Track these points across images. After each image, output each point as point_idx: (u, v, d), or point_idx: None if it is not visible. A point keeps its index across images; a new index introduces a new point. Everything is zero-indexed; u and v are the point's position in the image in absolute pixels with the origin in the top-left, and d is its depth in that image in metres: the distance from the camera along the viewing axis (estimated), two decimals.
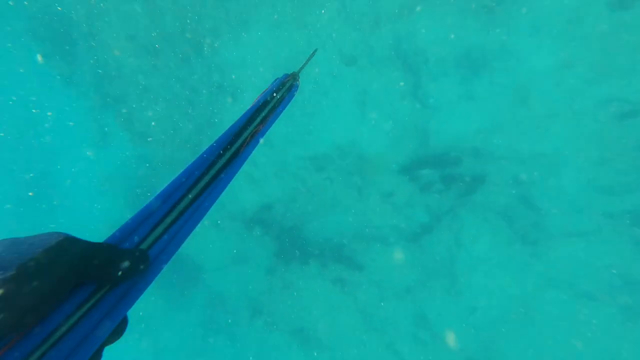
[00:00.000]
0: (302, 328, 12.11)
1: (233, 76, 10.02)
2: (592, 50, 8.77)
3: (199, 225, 1.05)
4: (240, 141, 1.31)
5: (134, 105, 9.84)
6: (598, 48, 8.71)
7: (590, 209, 9.93)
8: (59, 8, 10.55)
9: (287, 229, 11.29)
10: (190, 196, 1.05)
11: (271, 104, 1.57)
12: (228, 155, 1.22)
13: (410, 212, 10.21)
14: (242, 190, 11.27)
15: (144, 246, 0.91)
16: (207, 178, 1.11)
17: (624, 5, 8.24)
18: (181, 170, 1.06)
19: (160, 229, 0.96)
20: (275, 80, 1.77)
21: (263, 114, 1.51)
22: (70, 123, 12.19)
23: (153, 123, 10.24)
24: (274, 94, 1.62)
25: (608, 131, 9.24)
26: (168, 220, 0.98)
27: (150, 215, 0.96)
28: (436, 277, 10.64)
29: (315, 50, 2.37)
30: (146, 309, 12.93)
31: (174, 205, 1.02)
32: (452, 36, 9.42)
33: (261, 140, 1.44)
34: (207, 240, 12.39)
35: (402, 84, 10.13)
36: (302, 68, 1.96)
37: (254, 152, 1.38)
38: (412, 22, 9.45)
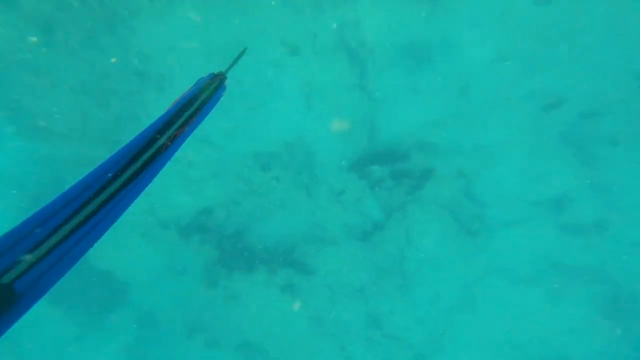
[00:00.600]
0: (248, 342, 10.94)
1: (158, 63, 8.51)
2: (522, 43, 9.00)
3: (91, 247, 0.88)
4: (158, 145, 1.20)
5: (20, 93, 7.74)
6: (526, 41, 8.96)
7: (522, 198, 10.35)
8: None
9: (230, 234, 10.05)
10: (89, 209, 0.92)
11: (195, 105, 1.46)
12: (141, 161, 1.12)
13: (361, 210, 9.67)
14: (176, 194, 9.76)
15: (10, 276, 0.77)
16: (111, 190, 0.99)
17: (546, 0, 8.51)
18: (78, 180, 0.93)
19: (40, 252, 0.81)
20: (199, 80, 1.66)
21: (185, 116, 1.39)
22: None
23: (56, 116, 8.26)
24: (198, 95, 1.53)
25: (536, 122, 9.63)
26: (52, 240, 0.84)
27: (29, 233, 0.82)
28: (388, 275, 10.28)
29: (245, 50, 2.19)
30: (53, 338, 10.67)
31: (62, 222, 0.87)
32: (396, 26, 9.05)
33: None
34: (134, 253, 10.58)
35: (348, 76, 9.54)
36: (230, 68, 1.85)
37: (178, 154, 1.25)
38: (355, 10, 8.86)
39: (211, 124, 9.29)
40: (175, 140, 1.28)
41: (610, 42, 8.82)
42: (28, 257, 0.79)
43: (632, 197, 10.02)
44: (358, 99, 9.55)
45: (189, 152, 9.35)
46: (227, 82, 1.72)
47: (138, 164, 1.10)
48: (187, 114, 1.40)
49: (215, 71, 1.71)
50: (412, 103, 9.42)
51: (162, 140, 1.23)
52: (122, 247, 10.49)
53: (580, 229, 10.35)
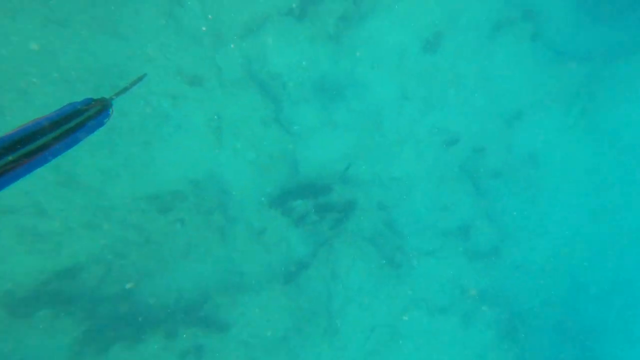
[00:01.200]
0: None
1: None
2: (419, 85, 9.80)
3: None
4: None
5: None
6: (422, 84, 9.79)
7: (434, 228, 10.78)
8: None
9: (108, 297, 7.79)
10: None
11: (58, 131, 1.35)
12: None
13: (285, 249, 8.71)
14: (12, 256, 7.17)
15: None
16: None
17: (431, 50, 9.53)
18: None
19: None
20: (68, 105, 1.49)
21: (39, 140, 1.26)
22: None
23: None
24: (64, 120, 1.41)
25: (439, 156, 10.37)
26: None
27: None
28: (313, 318, 9.28)
29: (143, 76, 2.01)
30: None
31: None
32: (305, 63, 9.04)
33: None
34: None
35: (263, 109, 9.01)
36: (120, 93, 1.70)
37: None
38: (260, 44, 8.55)
39: (80, 162, 7.63)
40: (10, 172, 1.17)
41: (485, 88, 10.18)
42: None
43: (516, 225, 11.31)
44: (275, 133, 9.00)
45: (40, 197, 7.13)
46: (113, 110, 1.60)
47: None
48: (43, 139, 1.28)
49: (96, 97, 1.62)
50: (330, 136, 9.26)
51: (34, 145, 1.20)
52: None
53: (481, 255, 11.11)
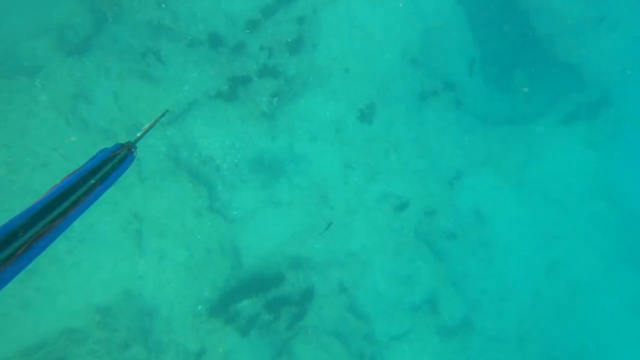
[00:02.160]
0: None
1: None
2: (360, 154, 9.36)
3: None
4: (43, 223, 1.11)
5: None
6: (364, 153, 9.37)
7: (400, 305, 9.54)
8: None
9: None
10: None
11: (96, 177, 1.36)
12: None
13: None
14: None
15: None
16: None
17: (367, 120, 9.38)
18: None
19: None
20: (101, 151, 1.48)
21: (81, 190, 1.28)
22: None
23: None
24: (99, 167, 1.40)
25: (392, 223, 9.62)
26: None
27: None
28: None
29: (165, 113, 1.99)
30: None
31: None
32: (238, 143, 8.16)
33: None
34: None
35: (194, 198, 7.63)
36: (141, 136, 1.68)
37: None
38: (187, 129, 7.58)
39: None
40: (63, 221, 1.19)
41: (422, 152, 10.11)
42: None
43: (479, 289, 10.61)
44: (211, 222, 7.56)
45: None
46: (137, 153, 1.58)
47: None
48: (82, 189, 1.28)
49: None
50: (274, 217, 8.05)
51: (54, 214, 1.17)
52: None
53: (454, 330, 9.97)
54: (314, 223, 8.22)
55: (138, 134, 1.70)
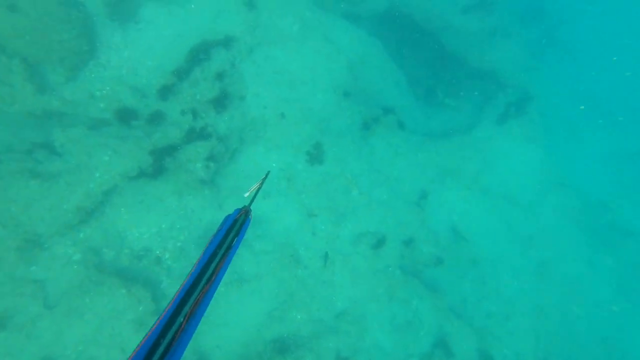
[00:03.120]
0: None
1: None
2: (319, 197, 8.34)
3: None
4: (196, 294, 1.19)
5: None
6: (321, 195, 8.36)
7: (411, 359, 8.04)
8: None
9: None
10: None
11: (228, 240, 1.41)
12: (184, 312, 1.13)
13: None
14: None
15: None
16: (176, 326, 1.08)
17: (317, 161, 8.55)
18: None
19: None
20: (226, 218, 1.53)
21: (222, 251, 1.34)
22: None
23: None
24: (230, 230, 1.45)
25: (375, 264, 8.42)
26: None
27: None
28: None
29: (268, 174, 2.02)
30: None
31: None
32: (179, 223, 6.73)
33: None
34: None
35: (134, 306, 5.85)
36: (252, 200, 1.74)
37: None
38: (105, 223, 6.04)
39: None
40: (217, 275, 1.28)
41: (380, 180, 9.36)
42: None
43: (484, 313, 9.51)
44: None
45: None
46: (252, 214, 1.60)
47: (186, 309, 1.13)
48: (222, 249, 1.35)
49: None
50: (241, 299, 6.47)
51: (207, 276, 1.24)
52: None
53: None
54: (290, 290, 6.74)
55: (245, 194, 1.78)
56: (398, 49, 10.71)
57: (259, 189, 1.82)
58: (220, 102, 6.77)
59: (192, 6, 6.60)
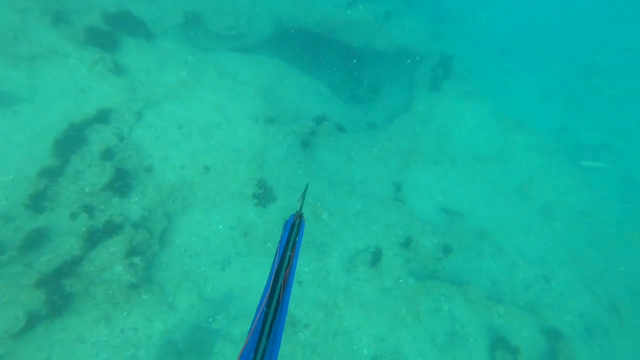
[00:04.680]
0: None
1: None
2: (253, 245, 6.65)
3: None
4: (280, 281, 1.41)
5: None
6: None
7: None
8: None
9: None
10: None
11: (292, 242, 1.63)
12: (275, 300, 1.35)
13: None
14: None
15: None
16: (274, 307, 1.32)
17: (268, 200, 7.02)
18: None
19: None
20: (286, 222, 1.75)
21: (289, 250, 1.58)
22: None
23: None
24: (291, 232, 1.66)
25: (382, 283, 6.70)
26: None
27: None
28: None
29: (307, 185, 2.27)
30: None
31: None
32: (121, 346, 4.78)
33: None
34: None
35: None
36: (301, 206, 1.95)
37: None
38: None
39: None
40: (291, 268, 1.47)
41: (350, 192, 7.92)
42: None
43: (522, 284, 7.92)
44: None
45: None
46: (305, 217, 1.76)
47: (278, 286, 1.38)
48: (289, 248, 1.55)
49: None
50: None
51: (284, 270, 1.45)
52: None
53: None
54: None
55: (298, 202, 1.94)
56: (306, 62, 9.83)
57: (304, 197, 1.97)
58: (120, 183, 5.17)
59: (41, 96, 5.19)
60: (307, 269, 6.43)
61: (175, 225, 5.75)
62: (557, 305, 7.29)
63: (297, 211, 1.79)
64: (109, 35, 5.96)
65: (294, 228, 1.65)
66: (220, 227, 6.21)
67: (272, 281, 1.36)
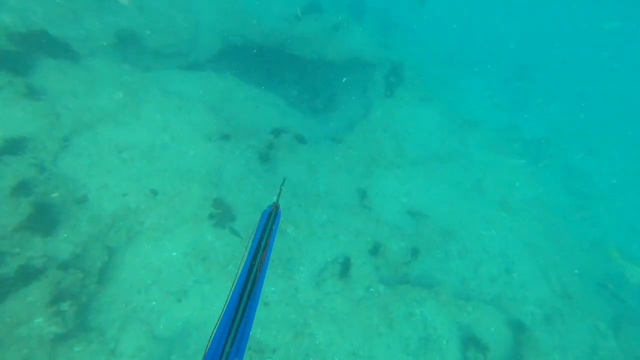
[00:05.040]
0: None
1: None
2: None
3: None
4: (256, 264, 1.50)
5: None
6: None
7: None
8: None
9: None
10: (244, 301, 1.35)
11: (267, 233, 1.70)
12: (252, 277, 1.44)
13: None
14: None
15: None
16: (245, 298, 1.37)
17: (227, 220, 6.54)
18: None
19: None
20: (263, 212, 1.82)
21: (264, 241, 1.64)
22: None
23: None
24: (268, 222, 1.75)
25: (352, 294, 6.38)
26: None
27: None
28: None
29: (284, 179, 2.51)
30: None
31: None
32: None
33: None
34: None
35: None
36: (279, 198, 2.04)
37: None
38: None
39: None
40: (264, 259, 1.55)
41: (315, 203, 7.60)
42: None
43: (496, 281, 7.94)
44: None
45: None
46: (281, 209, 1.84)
47: (252, 277, 1.45)
48: (265, 237, 1.64)
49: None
50: None
51: (258, 260, 1.51)
52: None
53: None
54: None
55: (276, 196, 2.05)
56: (260, 75, 9.52)
57: (281, 190, 2.16)
58: (42, 221, 4.45)
59: None
60: (273, 289, 5.96)
61: (118, 259, 5.07)
62: (519, 297, 7.37)
63: (274, 202, 1.87)
64: (18, 56, 5.26)
65: (270, 218, 1.74)
66: (174, 254, 5.60)
67: (247, 268, 1.43)
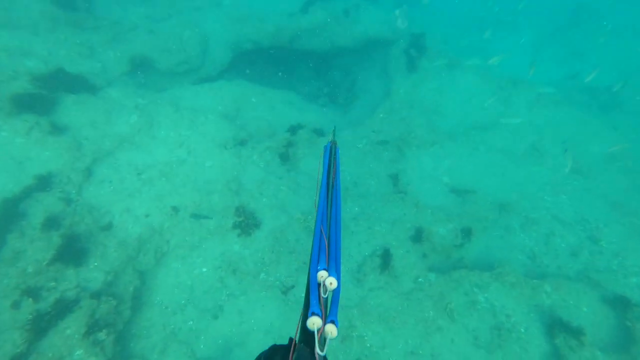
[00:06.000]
0: None
1: None
2: (284, 264, 5.72)
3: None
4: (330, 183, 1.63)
5: None
6: (285, 257, 5.77)
7: None
8: None
9: None
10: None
11: (334, 157, 1.90)
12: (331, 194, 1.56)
13: None
14: None
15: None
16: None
17: (252, 227, 6.10)
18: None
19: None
20: (326, 146, 2.04)
21: (333, 165, 1.82)
22: None
23: None
24: (332, 151, 1.95)
25: (399, 287, 5.52)
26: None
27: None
28: None
29: (335, 127, 2.83)
30: None
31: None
32: None
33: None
34: None
35: None
36: (334, 137, 2.27)
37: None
38: None
39: None
40: (335, 179, 1.67)
41: (346, 193, 6.91)
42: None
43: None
44: None
45: None
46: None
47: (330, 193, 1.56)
48: (332, 163, 1.81)
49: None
50: None
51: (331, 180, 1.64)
52: None
53: None
54: None
55: (331, 136, 2.30)
56: (274, 76, 9.13)
57: (334, 133, 2.38)
58: (73, 253, 4.42)
59: None
60: (294, 293, 5.39)
61: (150, 281, 4.91)
62: (615, 268, 5.85)
63: (334, 140, 2.04)
64: (41, 97, 5.44)
65: (333, 150, 1.92)
66: (204, 270, 5.31)
67: (324, 192, 1.51)
